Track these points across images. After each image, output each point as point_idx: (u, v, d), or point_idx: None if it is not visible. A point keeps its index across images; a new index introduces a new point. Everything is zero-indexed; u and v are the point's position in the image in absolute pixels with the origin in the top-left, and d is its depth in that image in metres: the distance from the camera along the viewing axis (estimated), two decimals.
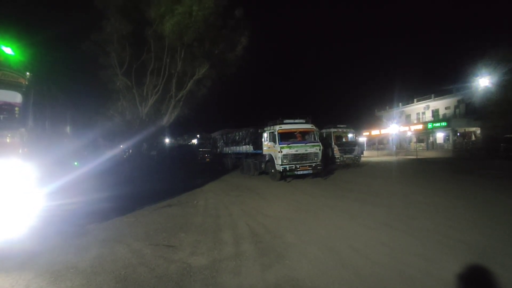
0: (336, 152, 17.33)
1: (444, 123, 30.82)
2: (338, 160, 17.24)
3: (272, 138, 12.54)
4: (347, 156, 17.56)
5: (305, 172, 12.09)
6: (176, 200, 8.27)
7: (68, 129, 6.73)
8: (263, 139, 13.41)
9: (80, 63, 13.91)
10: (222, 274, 3.44)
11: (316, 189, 9.97)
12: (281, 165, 11.78)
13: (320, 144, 12.90)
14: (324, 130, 17.95)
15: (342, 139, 18.70)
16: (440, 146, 32.24)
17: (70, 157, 7.33)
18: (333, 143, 17.52)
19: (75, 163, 7.97)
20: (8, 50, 4.39)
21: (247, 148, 15.44)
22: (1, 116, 4.25)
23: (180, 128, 22.60)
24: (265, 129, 13.25)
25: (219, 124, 22.30)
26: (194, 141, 30.06)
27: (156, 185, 11.71)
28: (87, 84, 14.12)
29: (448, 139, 31.57)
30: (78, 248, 4.35)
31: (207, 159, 24.01)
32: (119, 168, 15.66)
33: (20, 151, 4.07)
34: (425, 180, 11.75)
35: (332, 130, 18.11)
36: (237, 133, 17.31)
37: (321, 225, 5.43)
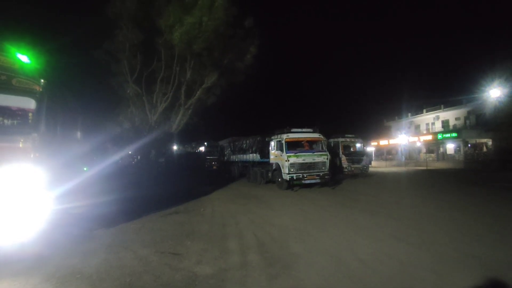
0: (344, 162, 17.19)
1: (454, 134, 30.37)
2: (346, 170, 17.08)
3: (279, 147, 12.52)
4: (355, 166, 17.40)
5: (312, 181, 11.98)
6: (183, 207, 8.28)
7: (78, 134, 6.84)
8: (270, 148, 13.40)
9: (91, 70, 14.26)
10: (228, 284, 3.40)
11: (323, 199, 9.86)
12: (288, 174, 11.71)
13: (328, 154, 12.81)
14: (332, 140, 17.87)
15: (350, 148, 18.56)
16: (451, 157, 31.69)
17: (80, 161, 7.43)
18: (340, 153, 17.40)
19: (84, 168, 8.07)
20: (24, 58, 4.51)
21: (254, 157, 15.42)
22: (15, 122, 4.34)
23: (188, 136, 22.75)
24: (272, 137, 13.24)
25: (226, 132, 22.42)
26: (202, 148, 30.14)
27: (164, 191, 11.75)
28: (98, 90, 14.43)
29: (459, 150, 31.03)
30: (85, 253, 4.37)
31: (215, 167, 24.05)
32: (127, 174, 15.81)
33: (32, 155, 4.14)
34: (435, 191, 11.52)
35: (340, 139, 18.00)
36: (244, 141, 17.34)
37: (328, 236, 5.34)
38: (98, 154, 11.88)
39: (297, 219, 6.89)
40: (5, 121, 4.29)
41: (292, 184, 11.89)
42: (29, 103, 4.41)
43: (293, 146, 12.53)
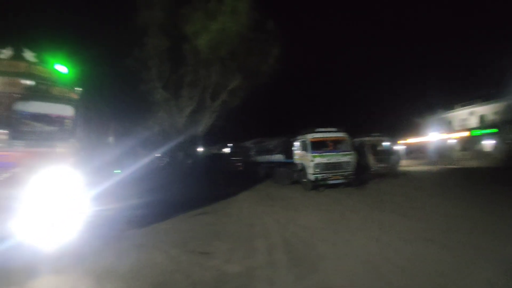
0: (371, 161, 16.67)
1: (494, 130, 28.36)
2: (373, 170, 16.55)
3: (304, 147, 12.42)
4: (382, 165, 16.80)
5: (337, 181, 11.75)
6: (210, 208, 8.44)
7: (111, 139, 7.20)
8: (295, 148, 13.33)
9: (123, 78, 14.99)
10: (256, 282, 3.45)
11: (349, 199, 9.63)
12: (313, 174, 11.57)
13: (353, 153, 12.51)
14: (358, 139, 17.40)
15: (376, 147, 17.96)
16: (488, 155, 29.65)
17: (112, 165, 7.80)
18: (367, 152, 16.89)
19: (116, 171, 8.46)
20: (62, 68, 4.84)
21: (279, 157, 15.40)
22: (54, 128, 4.66)
23: (214, 137, 23.16)
24: (297, 138, 13.17)
25: (251, 134, 22.53)
26: (227, 150, 30.51)
27: (191, 192, 12.04)
28: (129, 97, 15.13)
29: (498, 147, 28.96)
30: (118, 253, 4.60)
31: (240, 168, 24.25)
32: (156, 176, 16.37)
33: (69, 160, 4.43)
34: (469, 192, 10.85)
35: (366, 138, 17.49)
36: (269, 142, 17.37)
37: (355, 237, 5.22)
38: (129, 157, 12.42)
39: (323, 219, 6.79)
40: (45, 127, 4.62)
41: (317, 185, 11.74)
42: (67, 111, 4.72)
43: (318, 146, 12.35)
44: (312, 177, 11.63)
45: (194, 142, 19.38)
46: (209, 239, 5.33)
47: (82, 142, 4.81)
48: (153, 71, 15.53)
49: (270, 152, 17.01)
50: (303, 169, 12.42)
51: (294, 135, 13.71)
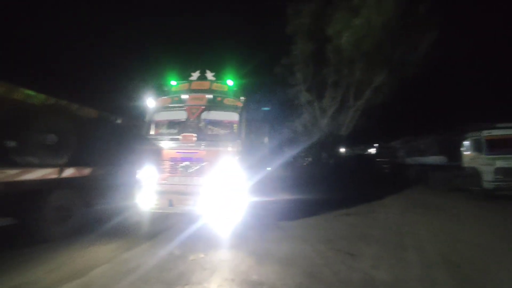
0: None
1: None
2: None
3: (477, 147, 9.99)
4: None
5: None
6: (354, 210, 8.19)
7: (266, 139, 8.17)
8: (462, 148, 10.91)
9: (273, 84, 16.75)
10: None
11: None
12: (493, 181, 9.12)
13: None
14: None
15: None
16: None
17: (265, 162, 8.82)
18: None
19: (268, 168, 9.50)
20: (230, 82, 5.93)
21: (436, 159, 13.05)
22: (226, 132, 5.76)
23: (357, 138, 22.08)
24: (467, 135, 10.71)
25: (399, 132, 20.04)
26: (371, 150, 28.50)
27: (334, 193, 12.01)
28: (278, 101, 16.74)
29: None
30: (273, 240, 5.18)
31: (386, 170, 22.11)
32: (300, 174, 17.25)
33: (236, 158, 5.34)
34: None
35: None
36: (422, 141, 15.02)
37: None
38: (277, 156, 13.66)
39: (496, 236, 5.42)
40: (220, 131, 5.78)
41: (493, 194, 9.20)
42: (234, 117, 5.71)
43: (498, 146, 9.60)
44: (490, 185, 9.22)
45: (336, 142, 19.22)
46: (353, 240, 5.23)
47: (245, 142, 5.69)
48: (298, 75, 16.50)
49: (422, 152, 14.74)
50: (474, 175, 10.00)
51: (456, 132, 11.36)
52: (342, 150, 23.61)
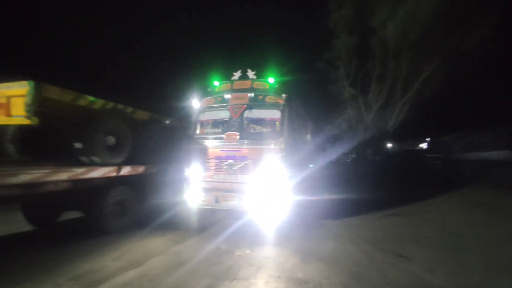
0: None
1: None
2: None
3: None
4: None
5: None
6: (403, 210, 7.74)
7: (309, 137, 8.06)
8: None
9: (314, 80, 16.48)
10: None
11: None
12: None
13: None
14: None
15: None
16: None
17: (308, 160, 8.70)
18: None
19: (310, 165, 9.35)
20: (271, 80, 5.95)
21: (501, 154, 11.74)
22: (268, 129, 5.80)
23: (405, 132, 20.73)
24: None
25: (451, 126, 18.37)
26: (422, 146, 26.53)
27: (380, 190, 11.45)
28: (320, 97, 16.45)
29: None
30: (317, 239, 5.14)
31: (439, 167, 20.38)
32: (343, 172, 16.70)
33: (279, 155, 5.36)
34: None
35: None
36: (483, 135, 13.63)
37: None
38: (319, 153, 13.35)
39: None
40: (263, 129, 5.84)
41: None
42: (276, 114, 5.73)
43: None
44: None
45: (382, 138, 18.25)
46: (403, 242, 4.97)
47: (288, 140, 5.68)
48: (341, 70, 15.99)
49: (483, 147, 13.36)
50: None
51: None
52: (389, 145, 22.35)
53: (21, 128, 5.34)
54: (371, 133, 16.09)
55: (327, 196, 9.32)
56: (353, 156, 21.52)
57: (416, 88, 15.13)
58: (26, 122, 4.17)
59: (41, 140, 5.66)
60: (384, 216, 7.10)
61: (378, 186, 12.82)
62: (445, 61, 14.09)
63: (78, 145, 5.07)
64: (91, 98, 5.29)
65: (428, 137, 24.90)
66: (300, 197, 6.45)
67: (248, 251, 4.44)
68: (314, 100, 15.01)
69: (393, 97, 16.00)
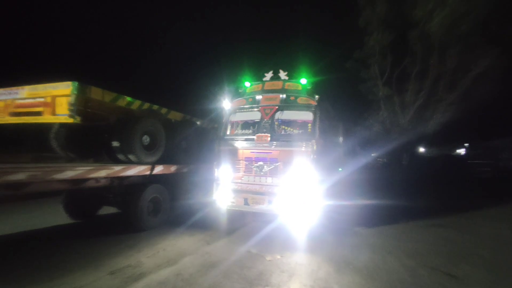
0: None
1: None
2: None
3: None
4: None
5: None
6: (448, 221, 7.13)
7: (340, 139, 7.77)
8: None
9: (345, 80, 15.91)
10: None
11: None
12: None
13: None
14: None
15: None
16: None
17: (340, 163, 8.38)
18: None
19: (339, 169, 9.01)
20: (303, 81, 5.78)
21: None
22: (300, 131, 5.64)
23: (441, 136, 19.30)
24: None
25: (504, 129, 16.82)
26: (460, 150, 24.80)
27: (418, 198, 10.78)
28: (349, 98, 15.82)
29: None
30: (351, 247, 4.89)
31: (487, 174, 18.69)
32: (374, 176, 15.95)
33: (311, 158, 5.19)
34: None
35: None
36: None
37: None
38: (350, 157, 12.84)
39: None
40: (294, 131, 5.69)
41: None
42: (308, 116, 5.56)
43: None
44: None
45: (420, 141, 17.17)
46: (452, 259, 4.51)
47: (319, 142, 5.49)
48: (373, 69, 15.24)
49: None
50: None
51: None
52: (427, 150, 21.06)
53: (64, 126, 5.66)
54: (407, 136, 15.07)
55: (360, 202, 8.91)
56: (384, 160, 20.54)
57: (464, 86, 13.90)
58: (69, 120, 4.38)
59: (82, 138, 5.97)
60: (426, 226, 6.58)
61: (415, 193, 12.09)
62: (501, 54, 12.77)
63: (116, 143, 5.26)
64: (129, 99, 5.46)
65: (467, 142, 23.19)
66: (331, 202, 6.22)
67: (278, 256, 4.32)
68: (343, 101, 14.48)
69: (435, 97, 14.82)
